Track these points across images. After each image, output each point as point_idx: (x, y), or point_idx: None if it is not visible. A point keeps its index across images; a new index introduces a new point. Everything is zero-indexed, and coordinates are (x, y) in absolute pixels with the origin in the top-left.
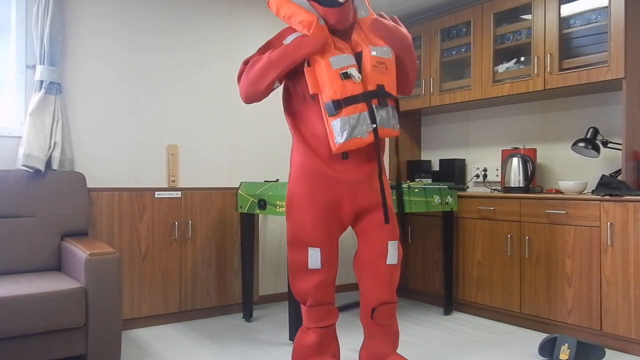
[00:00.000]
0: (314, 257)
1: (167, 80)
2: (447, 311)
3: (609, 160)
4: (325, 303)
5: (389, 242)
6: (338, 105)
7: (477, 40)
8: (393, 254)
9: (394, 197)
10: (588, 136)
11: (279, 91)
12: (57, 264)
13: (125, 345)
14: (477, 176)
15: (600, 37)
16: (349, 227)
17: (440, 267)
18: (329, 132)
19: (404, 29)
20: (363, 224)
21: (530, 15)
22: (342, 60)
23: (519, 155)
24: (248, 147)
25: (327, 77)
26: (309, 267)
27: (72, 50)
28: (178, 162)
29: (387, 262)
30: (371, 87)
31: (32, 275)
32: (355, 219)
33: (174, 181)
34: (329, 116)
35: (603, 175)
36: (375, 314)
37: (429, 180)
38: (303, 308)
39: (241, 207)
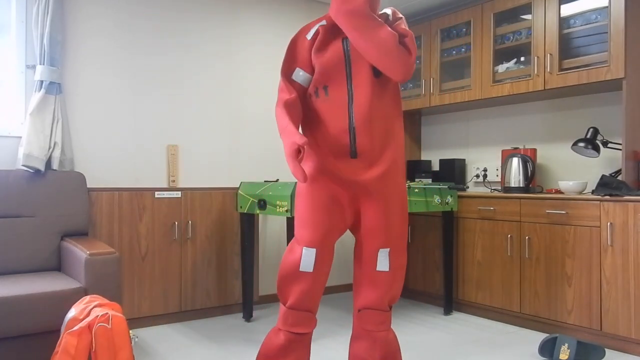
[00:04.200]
0: (308, 258)
1: (167, 80)
2: (447, 311)
3: (609, 160)
4: (305, 310)
5: (380, 249)
6: None
7: (477, 40)
8: (383, 261)
9: None
10: (588, 136)
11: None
12: (57, 264)
13: None
14: (477, 176)
15: (600, 37)
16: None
17: (440, 267)
18: None
19: (382, 31)
20: (359, 227)
21: (530, 15)
22: None
23: (519, 155)
24: (248, 147)
25: None
26: (300, 269)
27: (72, 50)
28: (178, 162)
29: (377, 269)
30: None
31: (32, 275)
32: (354, 221)
33: (174, 181)
34: None
35: (603, 175)
36: (360, 315)
37: (429, 180)
38: (281, 308)
39: (241, 207)
